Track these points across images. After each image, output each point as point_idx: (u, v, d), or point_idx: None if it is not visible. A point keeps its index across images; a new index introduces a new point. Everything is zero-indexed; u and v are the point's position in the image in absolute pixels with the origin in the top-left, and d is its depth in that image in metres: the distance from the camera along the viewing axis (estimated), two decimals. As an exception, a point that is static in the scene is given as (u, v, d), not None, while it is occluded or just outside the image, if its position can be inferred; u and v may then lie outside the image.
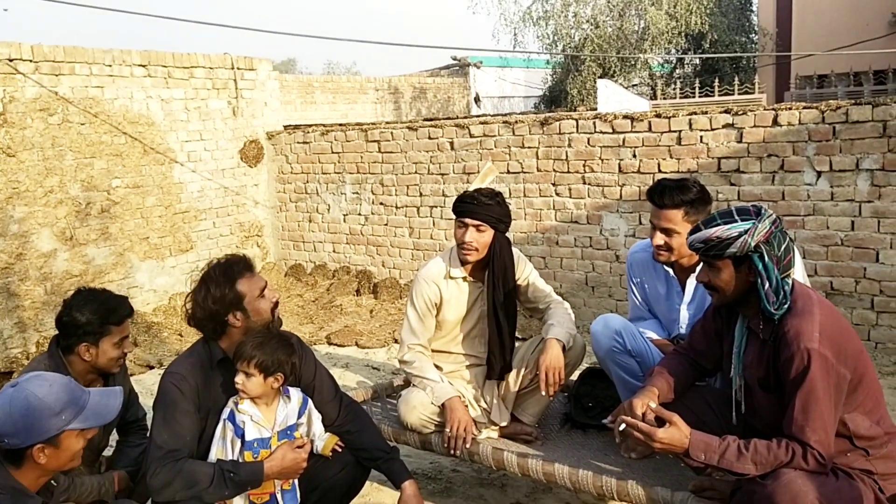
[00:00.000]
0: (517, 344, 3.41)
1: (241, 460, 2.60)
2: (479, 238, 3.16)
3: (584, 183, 6.16)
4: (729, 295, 2.41)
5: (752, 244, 2.29)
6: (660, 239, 3.01)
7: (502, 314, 3.23)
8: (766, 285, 2.29)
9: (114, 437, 3.16)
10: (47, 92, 6.16)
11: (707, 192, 3.03)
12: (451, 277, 3.28)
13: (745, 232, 2.29)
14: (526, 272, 3.36)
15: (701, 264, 2.51)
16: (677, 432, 2.33)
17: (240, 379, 2.59)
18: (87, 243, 6.50)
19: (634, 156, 5.86)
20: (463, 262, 3.26)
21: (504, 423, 3.30)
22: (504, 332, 3.24)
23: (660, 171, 5.72)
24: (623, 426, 2.41)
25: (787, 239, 2.36)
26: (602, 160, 6.03)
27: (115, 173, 6.71)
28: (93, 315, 2.77)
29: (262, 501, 2.66)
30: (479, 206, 3.14)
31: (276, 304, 2.79)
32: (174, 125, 7.26)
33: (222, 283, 2.66)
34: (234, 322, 2.67)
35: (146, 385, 5.26)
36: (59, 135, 6.25)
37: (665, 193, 2.97)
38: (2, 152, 5.85)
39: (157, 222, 7.13)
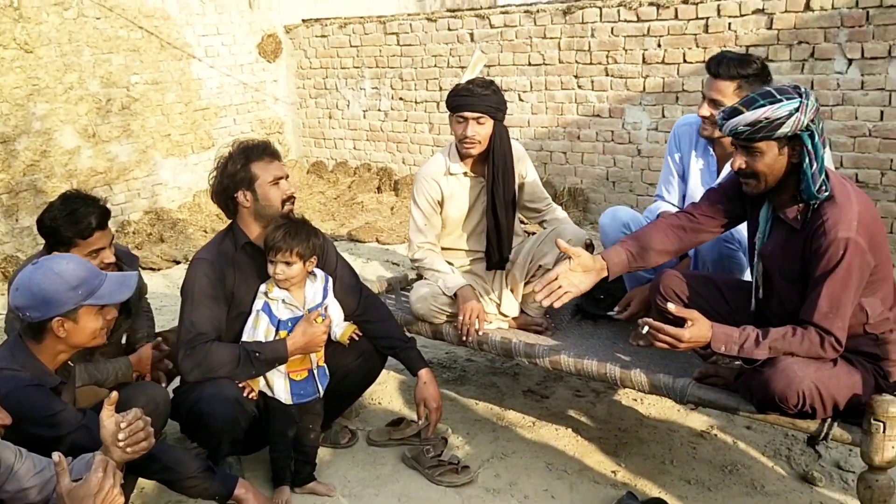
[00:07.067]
0: (521, 238, 3.43)
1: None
2: (480, 130, 3.13)
3: (607, 75, 6.00)
4: (769, 181, 2.29)
5: (805, 122, 2.17)
6: (706, 110, 2.87)
7: (502, 204, 3.22)
8: (814, 166, 2.20)
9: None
10: (60, -15, 6.07)
11: (769, 74, 2.84)
12: (451, 174, 3.27)
13: (797, 110, 2.17)
14: (529, 171, 3.36)
15: (736, 151, 2.33)
16: (698, 330, 2.31)
17: (280, 269, 2.67)
18: (110, 140, 6.55)
19: (659, 45, 5.67)
20: (464, 157, 3.24)
21: (514, 315, 3.36)
22: (503, 223, 3.24)
23: (685, 61, 5.55)
24: (646, 329, 2.36)
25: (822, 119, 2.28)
26: (626, 50, 5.85)
27: (133, 69, 6.67)
28: (57, 224, 2.62)
29: (300, 378, 2.78)
30: (476, 98, 3.09)
31: (291, 197, 2.81)
32: (190, 19, 7.13)
33: (238, 161, 2.76)
34: (243, 201, 2.75)
35: (173, 279, 5.41)
36: (76, 29, 6.19)
37: (722, 63, 2.81)
38: (20, 48, 5.82)
39: (178, 119, 7.13)
